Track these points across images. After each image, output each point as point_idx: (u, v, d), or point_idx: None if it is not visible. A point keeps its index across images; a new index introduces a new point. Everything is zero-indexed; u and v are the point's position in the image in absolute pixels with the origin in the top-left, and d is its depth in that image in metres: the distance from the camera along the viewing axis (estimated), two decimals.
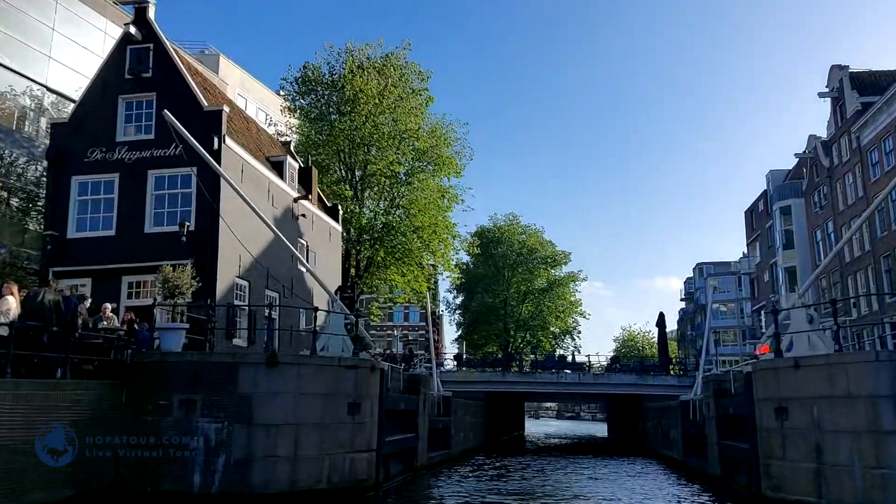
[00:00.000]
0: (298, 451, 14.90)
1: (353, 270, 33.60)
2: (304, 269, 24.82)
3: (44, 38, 27.86)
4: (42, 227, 19.56)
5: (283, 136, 34.20)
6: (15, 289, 12.18)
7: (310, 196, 25.33)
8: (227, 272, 18.94)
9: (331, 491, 15.09)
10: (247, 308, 19.49)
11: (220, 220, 18.22)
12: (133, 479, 14.21)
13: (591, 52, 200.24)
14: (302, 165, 27.19)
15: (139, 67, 19.84)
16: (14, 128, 24.95)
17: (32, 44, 28.28)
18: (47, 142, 21.19)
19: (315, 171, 27.85)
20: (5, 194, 23.17)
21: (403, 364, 30.42)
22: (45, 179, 21.47)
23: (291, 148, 28.70)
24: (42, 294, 12.34)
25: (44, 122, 23.81)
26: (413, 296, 37.01)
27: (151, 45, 20.07)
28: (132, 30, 20.07)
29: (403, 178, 33.62)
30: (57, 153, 19.73)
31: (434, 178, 34.95)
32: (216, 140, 18.81)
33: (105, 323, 15.79)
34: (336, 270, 29.09)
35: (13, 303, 11.86)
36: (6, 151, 25.51)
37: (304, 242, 24.72)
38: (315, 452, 15.16)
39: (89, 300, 16.02)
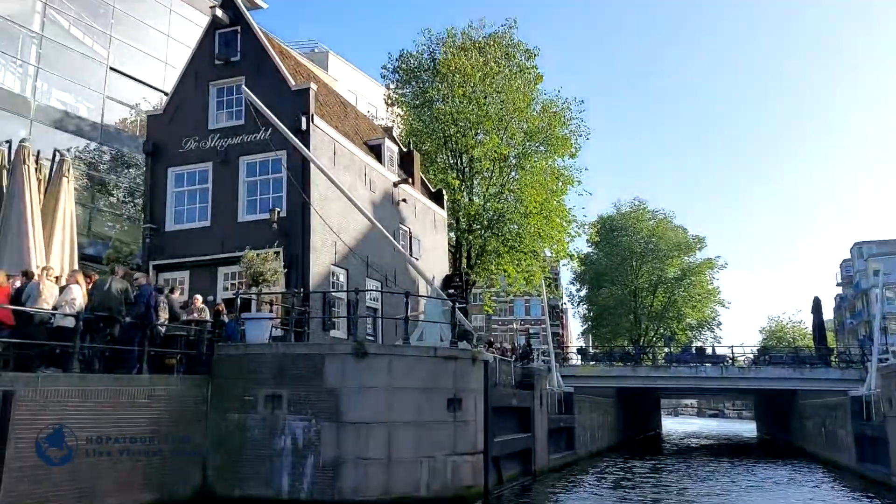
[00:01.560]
0: (392, 452, 13.35)
1: (464, 260, 31.97)
2: (413, 258, 23.46)
3: (145, 37, 28.52)
4: (143, 221, 19.38)
5: (383, 119, 33.29)
6: (81, 278, 11.45)
7: (410, 180, 23.89)
8: (322, 260, 17.80)
9: (431, 500, 13.41)
10: (345, 297, 18.26)
11: (312, 205, 17.06)
12: (220, 482, 13.23)
13: (724, 15, 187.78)
14: (404, 150, 25.86)
15: (227, 51, 19.22)
16: (122, 127, 25.42)
17: (133, 42, 29.09)
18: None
19: (417, 155, 26.45)
20: (112, 191, 23.56)
21: (521, 358, 28.52)
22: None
23: (396, 138, 27.53)
24: (109, 282, 11.51)
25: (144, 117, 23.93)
26: (530, 287, 34.82)
27: (239, 28, 19.41)
28: (219, 13, 19.49)
29: (513, 161, 31.59)
30: (154, 146, 19.51)
31: (547, 160, 32.65)
32: (304, 120, 17.73)
33: (196, 315, 15.01)
34: (442, 259, 27.52)
35: (79, 292, 11.09)
36: (114, 150, 26.16)
37: (407, 229, 23.33)
38: (411, 455, 13.55)
39: (179, 291, 15.32)
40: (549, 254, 36.55)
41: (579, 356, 44.91)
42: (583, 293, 62.35)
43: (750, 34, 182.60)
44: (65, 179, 14.34)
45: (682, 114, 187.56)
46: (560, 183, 33.30)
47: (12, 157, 13.80)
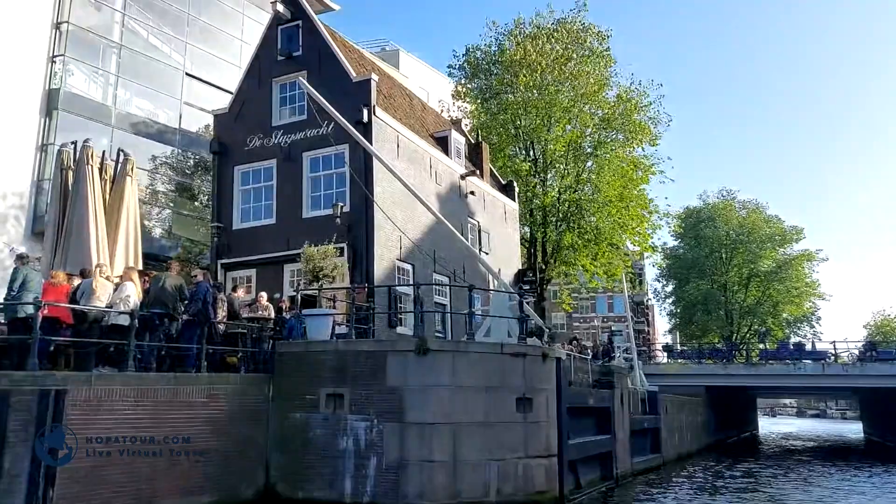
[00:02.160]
0: (458, 455, 12.60)
1: (539, 255, 30.93)
2: (482, 252, 22.69)
3: (219, 43, 29.00)
4: (211, 220, 19.48)
5: (448, 110, 32.68)
6: (136, 275, 11.28)
7: (477, 172, 23.11)
8: (387, 254, 17.30)
9: None
10: (411, 293, 17.67)
11: (372, 198, 16.58)
12: (283, 483, 12.86)
13: None
14: (472, 141, 25.13)
15: (290, 47, 19.06)
16: (203, 132, 25.87)
17: (208, 48, 29.70)
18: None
19: (486, 146, 25.66)
20: (196, 194, 23.96)
21: (602, 356, 27.24)
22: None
23: (466, 132, 26.86)
24: (163, 279, 11.31)
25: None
26: (610, 283, 33.38)
27: (300, 22, 19.22)
28: (280, 8, 19.34)
29: (588, 149, 30.30)
30: (220, 145, 19.57)
31: (624, 149, 31.18)
32: (365, 112, 17.27)
33: (261, 313, 14.77)
34: (514, 252, 26.58)
35: (133, 290, 10.91)
36: (194, 154, 26.69)
37: (475, 222, 22.58)
38: (478, 457, 12.77)
39: (243, 290, 15.13)
40: (631, 247, 35.03)
41: (665, 354, 42.91)
42: (668, 289, 59.85)
43: (839, 8, 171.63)
44: (128, 178, 14.36)
45: (766, 98, 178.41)
46: (640, 172, 31.76)
47: (77, 158, 13.93)
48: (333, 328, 14.20)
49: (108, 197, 14.20)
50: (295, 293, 14.41)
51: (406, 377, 12.68)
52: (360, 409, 12.76)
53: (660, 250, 36.60)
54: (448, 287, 19.57)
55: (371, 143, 16.72)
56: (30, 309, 9.86)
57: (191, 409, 11.55)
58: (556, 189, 30.85)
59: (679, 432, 28.28)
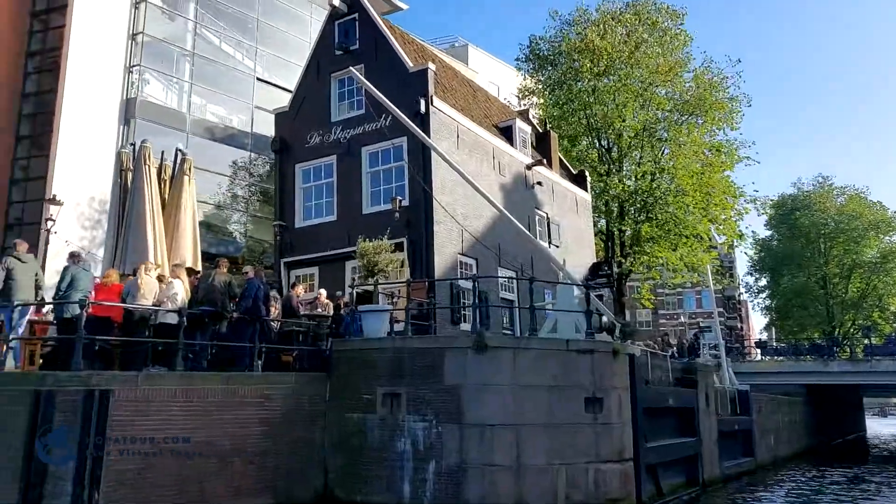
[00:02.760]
0: (522, 459, 11.80)
1: (617, 249, 29.56)
2: (552, 245, 21.74)
3: (287, 46, 29.22)
4: (274, 219, 19.41)
5: (520, 103, 31.72)
6: (183, 273, 11.07)
7: (544, 162, 22.13)
8: (448, 249, 16.67)
9: None
10: (473, 288, 16.93)
11: (431, 192, 15.99)
12: (341, 486, 12.41)
13: None
14: (540, 130, 24.17)
15: (347, 41, 18.77)
16: (267, 133, 26.03)
17: (277, 52, 29.99)
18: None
19: (554, 136, 24.64)
20: (258, 193, 24.14)
21: (688, 353, 25.70)
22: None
23: (531, 120, 25.93)
24: (212, 276, 11.05)
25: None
26: (694, 277, 31.53)
27: (357, 15, 18.89)
28: (336, 2, 19.05)
29: (664, 136, 28.71)
30: (281, 143, 19.47)
31: (702, 133, 29.42)
32: (422, 102, 16.70)
33: (321, 310, 14.45)
34: (588, 245, 25.39)
35: (180, 287, 10.71)
36: (266, 158, 26.95)
37: (543, 213, 21.62)
38: (544, 461, 11.92)
39: (302, 287, 14.83)
40: (718, 238, 33.10)
41: (759, 350, 40.41)
42: (762, 282, 56.66)
43: None
44: (186, 178, 14.35)
45: (860, 74, 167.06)
46: (723, 157, 29.88)
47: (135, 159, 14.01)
48: (392, 325, 13.68)
49: (166, 196, 14.25)
50: (350, 288, 13.96)
51: (464, 376, 11.98)
52: (417, 409, 12.16)
53: (751, 239, 34.42)
54: (516, 282, 18.74)
55: (429, 134, 16.16)
56: (77, 308, 9.76)
57: (243, 410, 11.24)
58: (633, 178, 29.46)
59: (775, 434, 26.29)
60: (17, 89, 25.01)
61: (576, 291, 13.96)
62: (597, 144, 30.01)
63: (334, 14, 19.27)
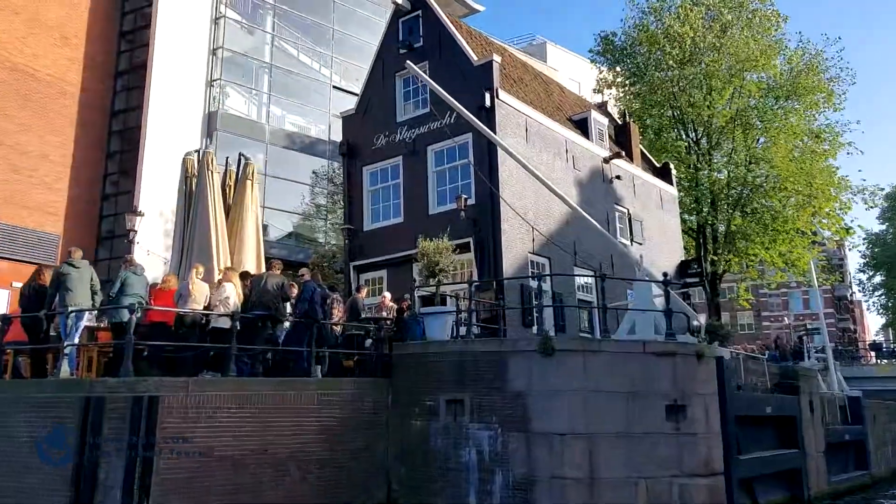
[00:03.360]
0: (596, 471, 10.84)
1: (710, 247, 27.77)
2: (634, 242, 20.51)
3: (362, 54, 29.27)
4: (342, 223, 19.23)
5: (602, 97, 30.40)
6: (235, 276, 10.83)
7: (622, 154, 20.89)
8: (517, 248, 15.87)
9: None
10: (549, 289, 16.07)
11: (497, 192, 15.27)
12: (405, 497, 11.83)
13: None
14: (619, 122, 22.94)
15: (411, 38, 18.35)
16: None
17: (353, 60, 30.14)
18: None
19: (634, 127, 23.31)
20: (328, 200, 24.17)
21: (792, 356, 23.72)
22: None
23: (612, 114, 24.73)
24: (264, 279, 10.76)
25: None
26: (795, 273, 29.16)
27: (420, 12, 18.45)
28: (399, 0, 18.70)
29: (758, 123, 26.72)
30: (348, 147, 19.26)
31: (800, 119, 27.21)
32: (487, 95, 16.00)
33: (385, 314, 14.01)
34: (674, 242, 23.84)
35: (232, 291, 10.47)
36: (332, 162, 27.14)
37: (624, 209, 20.41)
38: (621, 475, 10.91)
39: (365, 291, 14.44)
40: (825, 233, 30.60)
41: (873, 353, 37.12)
42: (876, 280, 52.37)
43: None
44: (248, 182, 14.26)
45: None
46: (826, 145, 27.55)
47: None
48: (457, 328, 13.04)
49: (230, 201, 14.23)
50: (411, 288, 13.45)
51: (530, 381, 11.16)
52: (481, 416, 11.43)
53: (860, 234, 31.63)
54: (594, 282, 17.66)
55: (494, 129, 15.46)
56: (127, 313, 9.66)
57: (300, 416, 10.87)
58: (725, 170, 27.65)
59: (893, 445, 23.81)
60: (107, 108, 26.14)
61: (655, 290, 12.85)
62: (684, 136, 28.39)
63: (398, 12, 18.92)
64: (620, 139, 22.19)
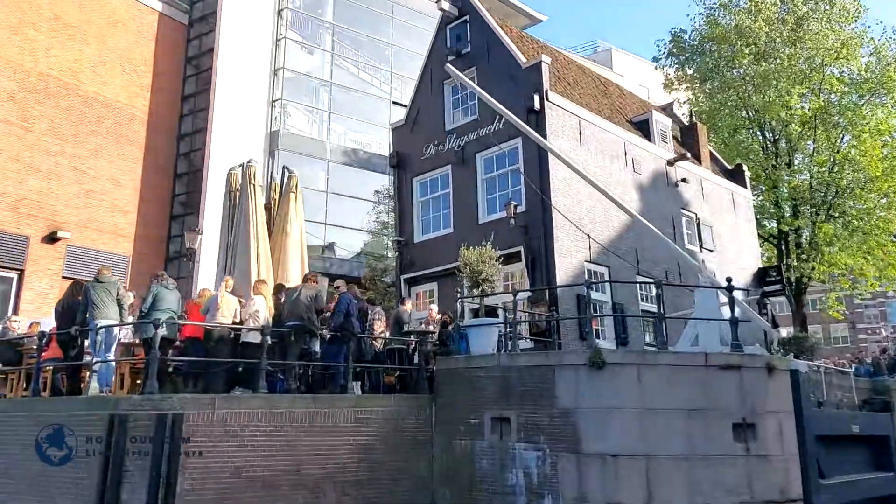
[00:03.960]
0: (655, 496, 9.87)
1: (793, 254, 25.90)
2: (704, 249, 19.23)
3: (417, 66, 29.13)
4: (394, 235, 18.85)
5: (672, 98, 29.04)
6: (266, 289, 10.49)
7: (688, 155, 19.63)
8: (572, 256, 15.00)
9: None
10: (609, 300, 15.13)
11: (550, 196, 14.51)
12: None
13: None
14: (685, 123, 21.70)
15: (458, 44, 17.90)
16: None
17: (410, 74, 29.94)
18: None
19: (702, 128, 21.96)
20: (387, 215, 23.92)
21: (888, 370, 21.64)
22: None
23: (678, 115, 23.50)
24: (298, 290, 10.38)
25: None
26: (890, 281, 26.79)
27: (468, 17, 17.95)
28: (445, 6, 18.25)
29: (841, 121, 24.82)
30: (398, 158, 18.90)
31: (890, 114, 25.12)
32: (536, 98, 15.29)
33: (429, 326, 13.47)
34: (750, 249, 22.24)
35: (262, 304, 10.13)
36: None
37: (692, 213, 19.15)
38: (684, 500, 9.90)
39: (409, 302, 13.94)
40: None
41: None
42: None
43: None
44: (292, 196, 14.06)
45: None
46: None
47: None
48: (506, 342, 12.33)
49: (274, 215, 14.07)
50: (456, 299, 12.83)
51: (579, 397, 10.32)
52: (528, 436, 10.66)
53: None
54: (655, 291, 16.55)
55: (544, 132, 14.75)
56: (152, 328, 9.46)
57: (336, 436, 10.38)
58: (808, 172, 25.84)
59: None
60: (174, 131, 26.89)
61: (721, 297, 11.76)
62: (759, 136, 26.75)
63: (446, 19, 18.51)
64: (687, 141, 20.96)
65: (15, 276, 21.83)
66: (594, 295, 15.35)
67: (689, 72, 28.87)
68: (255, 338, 9.88)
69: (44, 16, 23.20)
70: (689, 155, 19.59)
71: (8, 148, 21.78)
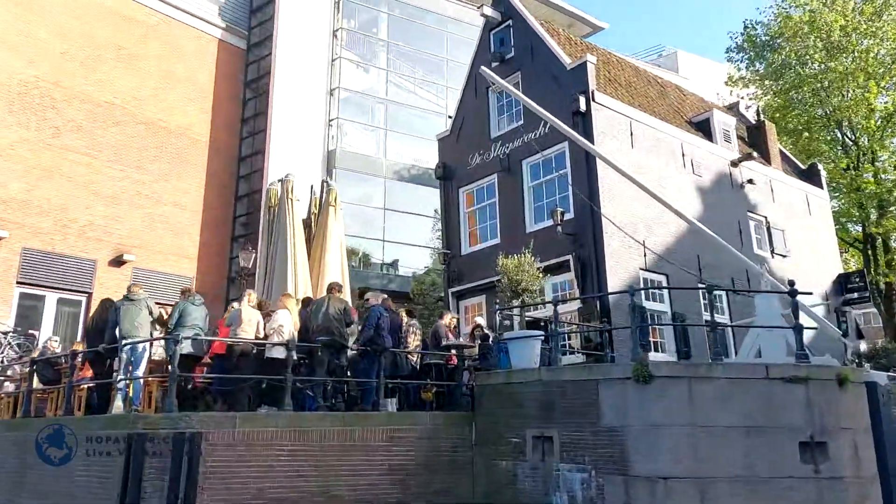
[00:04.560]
0: None
1: (881, 258, 23.97)
2: (775, 254, 17.91)
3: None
4: (441, 248, 18.34)
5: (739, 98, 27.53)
6: (291, 303, 10.15)
7: (754, 155, 18.32)
8: (626, 264, 14.10)
9: None
10: (668, 311, 14.13)
11: (599, 203, 13.71)
12: None
13: None
14: (752, 122, 20.38)
15: (502, 49, 17.33)
16: None
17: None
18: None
19: (770, 126, 20.54)
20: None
21: None
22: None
23: (744, 113, 22.16)
24: (326, 303, 10.01)
25: None
26: None
27: (511, 22, 17.41)
28: (488, 11, 17.76)
29: None
30: (444, 169, 18.45)
31: None
32: (581, 99, 14.55)
33: (468, 340, 12.89)
34: (828, 254, 20.51)
35: (287, 318, 9.80)
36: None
37: (761, 217, 17.83)
38: None
39: (448, 315, 13.37)
40: None
41: None
42: None
43: None
44: (331, 208, 13.85)
45: None
46: None
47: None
48: (549, 355, 11.60)
49: (313, 228, 13.89)
50: (496, 311, 12.18)
51: (626, 414, 9.50)
52: (572, 455, 9.91)
53: None
54: (725, 301, 15.44)
55: (592, 134, 13.99)
56: (186, 344, 9.28)
57: (367, 455, 9.93)
58: (893, 169, 23.96)
59: None
60: (234, 154, 27.40)
61: (779, 303, 10.70)
62: (837, 134, 25.01)
63: (488, 25, 18.03)
64: (754, 140, 19.65)
65: (84, 299, 22.53)
66: (651, 305, 14.39)
67: (759, 67, 27.38)
68: (279, 353, 9.55)
69: (109, 47, 24.10)
70: (755, 155, 18.29)
71: (76, 176, 22.60)
